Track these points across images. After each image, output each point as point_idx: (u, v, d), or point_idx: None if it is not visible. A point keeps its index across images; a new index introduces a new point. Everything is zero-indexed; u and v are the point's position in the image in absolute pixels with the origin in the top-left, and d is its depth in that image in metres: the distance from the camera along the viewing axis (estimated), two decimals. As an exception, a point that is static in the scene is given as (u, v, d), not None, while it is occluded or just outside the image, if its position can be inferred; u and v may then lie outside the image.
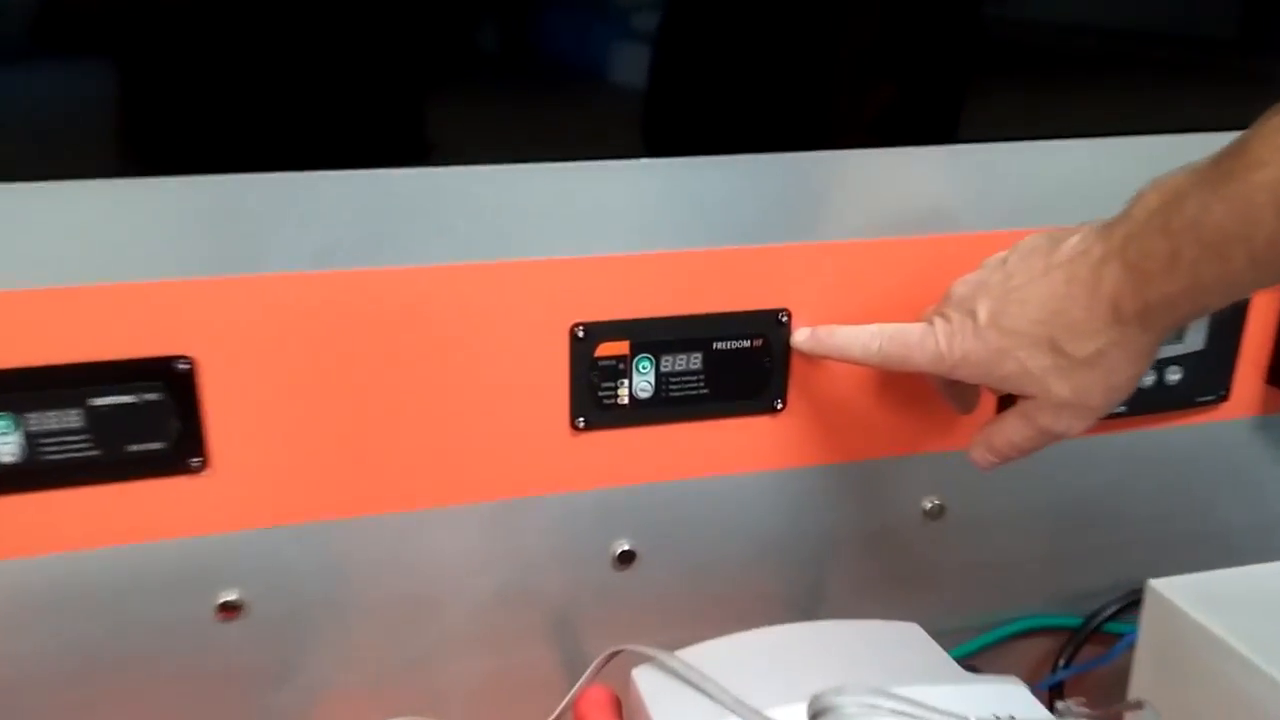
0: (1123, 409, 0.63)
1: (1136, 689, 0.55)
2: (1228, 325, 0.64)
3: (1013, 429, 0.47)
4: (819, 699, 0.38)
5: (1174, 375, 0.63)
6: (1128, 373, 0.43)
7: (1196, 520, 0.69)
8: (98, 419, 0.49)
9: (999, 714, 0.41)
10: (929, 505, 0.63)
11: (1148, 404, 0.63)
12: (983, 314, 0.45)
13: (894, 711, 0.37)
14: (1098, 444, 0.65)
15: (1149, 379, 0.63)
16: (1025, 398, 0.46)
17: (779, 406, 0.58)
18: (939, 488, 0.63)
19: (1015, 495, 0.65)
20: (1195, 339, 0.63)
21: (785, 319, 0.57)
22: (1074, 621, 0.67)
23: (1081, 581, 0.68)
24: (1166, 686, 0.54)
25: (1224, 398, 0.66)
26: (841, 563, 0.64)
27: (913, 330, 0.49)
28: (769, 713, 0.42)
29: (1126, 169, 0.44)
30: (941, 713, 0.38)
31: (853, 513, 0.63)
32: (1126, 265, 0.41)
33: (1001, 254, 0.48)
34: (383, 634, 0.58)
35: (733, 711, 0.43)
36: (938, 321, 0.48)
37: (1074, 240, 0.44)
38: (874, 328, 0.51)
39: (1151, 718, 0.44)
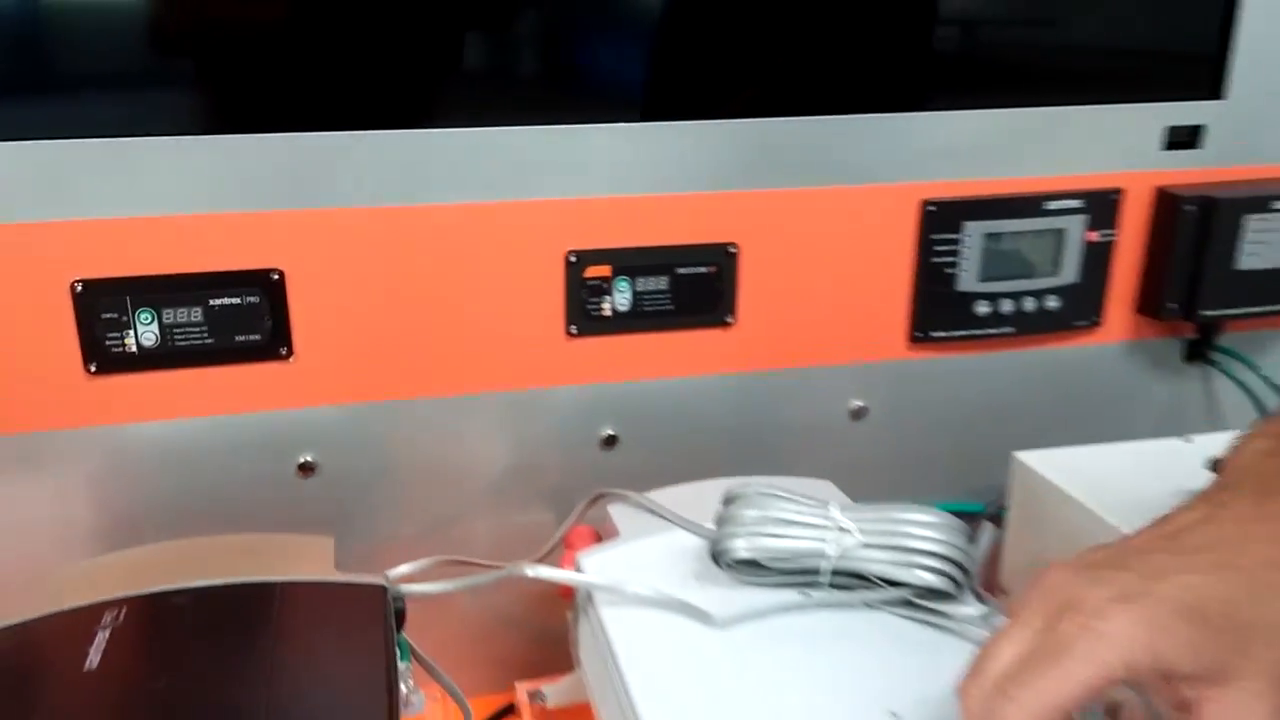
0: (1011, 329, 0.78)
1: (1010, 542, 0.70)
2: (1098, 260, 0.78)
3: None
4: (730, 490, 0.54)
5: (1053, 302, 0.78)
6: None
7: (1077, 425, 0.82)
8: (213, 316, 0.66)
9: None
10: (854, 406, 0.77)
11: (1034, 325, 0.78)
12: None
13: (783, 496, 0.52)
14: (997, 360, 0.78)
15: (1031, 304, 0.78)
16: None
17: (729, 321, 0.74)
18: (864, 392, 0.77)
19: (928, 401, 0.78)
20: (1070, 272, 0.78)
21: (734, 250, 0.72)
22: (977, 508, 0.74)
23: (986, 476, 0.74)
24: (1030, 539, 0.68)
25: (1096, 323, 0.80)
26: (782, 453, 0.77)
27: None
28: (704, 524, 0.58)
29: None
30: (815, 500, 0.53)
31: (790, 411, 0.75)
32: None
33: (1110, 543, 0.36)
34: (421, 494, 0.73)
35: (674, 522, 0.59)
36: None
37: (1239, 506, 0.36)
38: None
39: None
